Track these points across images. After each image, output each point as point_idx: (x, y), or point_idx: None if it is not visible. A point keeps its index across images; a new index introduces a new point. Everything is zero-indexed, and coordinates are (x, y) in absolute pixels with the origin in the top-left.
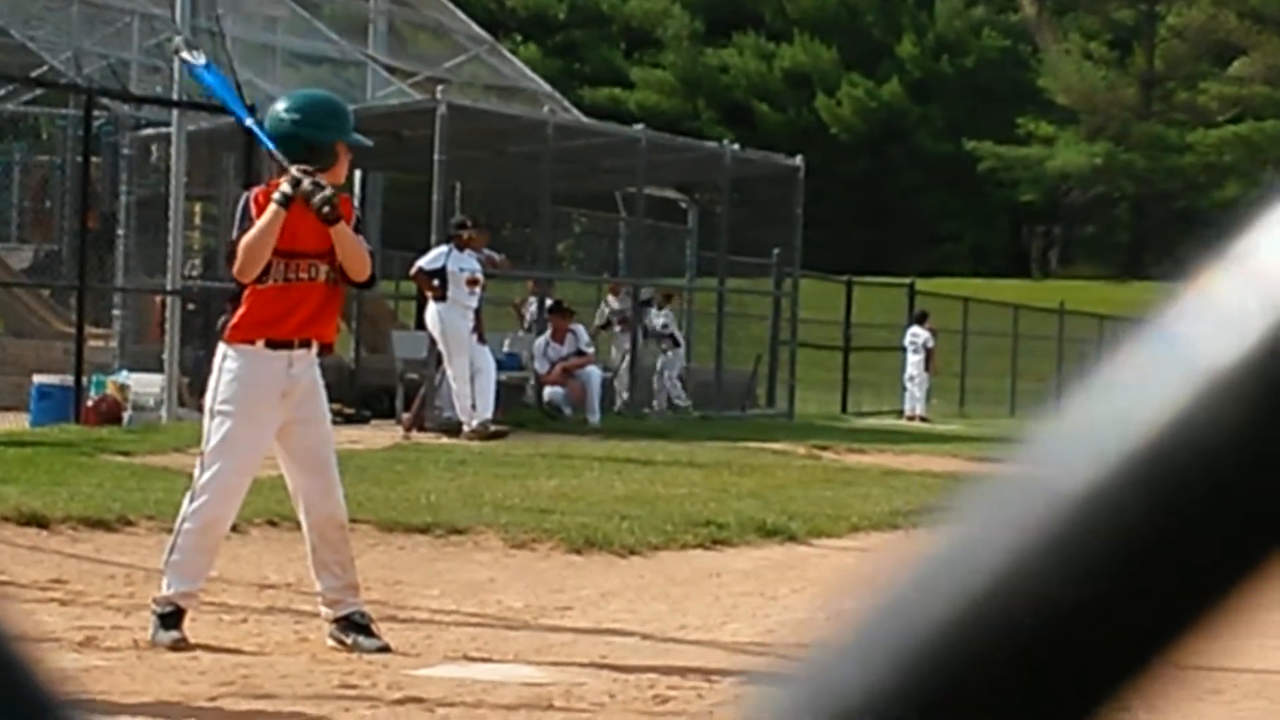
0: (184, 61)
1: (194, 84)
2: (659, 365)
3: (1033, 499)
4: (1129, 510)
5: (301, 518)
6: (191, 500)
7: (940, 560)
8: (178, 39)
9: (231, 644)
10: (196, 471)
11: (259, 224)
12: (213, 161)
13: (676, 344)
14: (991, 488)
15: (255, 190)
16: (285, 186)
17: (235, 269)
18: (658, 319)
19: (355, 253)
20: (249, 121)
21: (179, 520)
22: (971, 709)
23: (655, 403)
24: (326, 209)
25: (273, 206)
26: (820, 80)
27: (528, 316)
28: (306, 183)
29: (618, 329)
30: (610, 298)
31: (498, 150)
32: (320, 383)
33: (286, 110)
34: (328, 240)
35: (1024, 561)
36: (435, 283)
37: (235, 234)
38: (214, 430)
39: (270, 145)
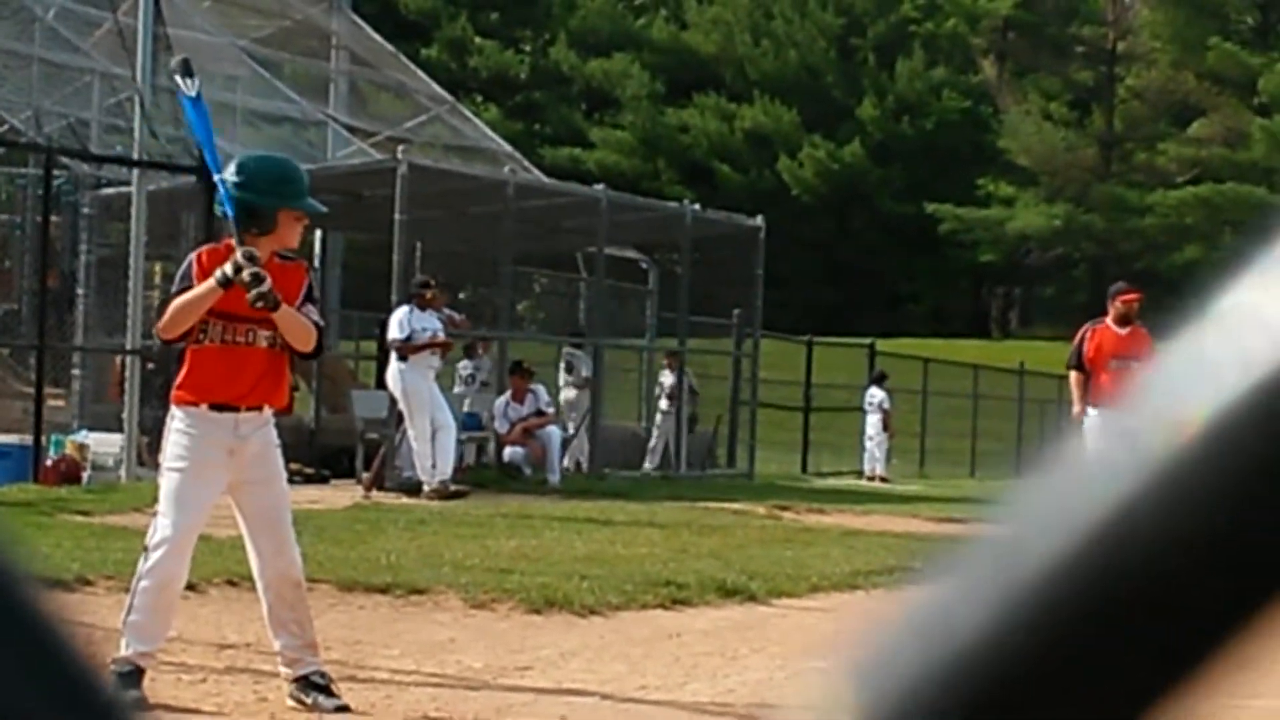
0: (176, 83)
1: (154, 143)
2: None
3: (1006, 563)
4: (1096, 578)
5: (257, 577)
6: (146, 560)
7: (917, 620)
8: (175, 60)
9: (191, 704)
10: (149, 531)
11: (194, 292)
12: (172, 221)
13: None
14: (968, 550)
15: (202, 250)
16: (227, 268)
17: (160, 325)
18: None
19: (295, 329)
20: (218, 177)
21: (135, 580)
22: None
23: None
24: (260, 304)
25: (211, 282)
26: (781, 141)
27: (480, 377)
28: (246, 273)
29: (664, 404)
30: (666, 371)
31: (458, 210)
32: (274, 443)
33: (230, 172)
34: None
35: (997, 626)
36: (408, 342)
37: (174, 290)
38: (163, 488)
39: (229, 208)
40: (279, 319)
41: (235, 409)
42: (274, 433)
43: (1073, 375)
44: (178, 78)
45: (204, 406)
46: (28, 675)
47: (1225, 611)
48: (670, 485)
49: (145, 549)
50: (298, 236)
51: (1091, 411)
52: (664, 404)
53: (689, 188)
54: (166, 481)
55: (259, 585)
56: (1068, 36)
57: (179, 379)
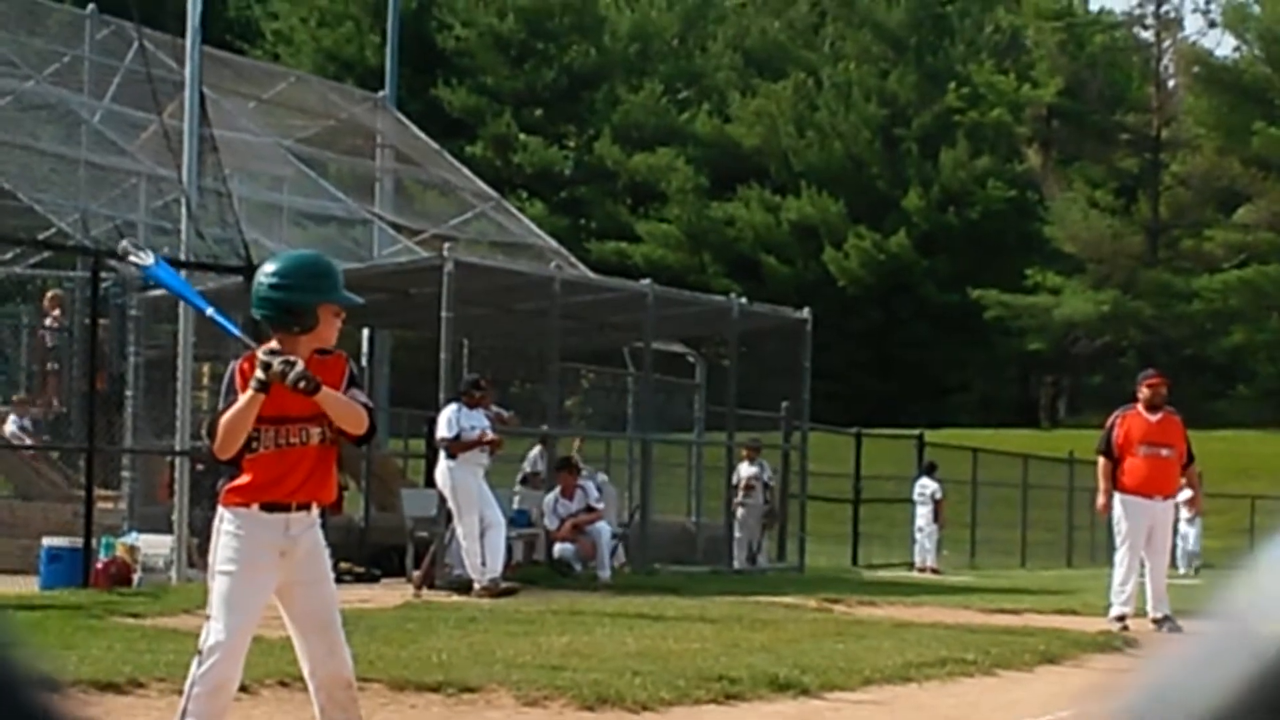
0: (133, 264)
1: (201, 245)
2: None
3: (1238, 648)
4: None
5: (308, 678)
6: (199, 664)
7: (1152, 700)
8: (124, 242)
9: None
10: (202, 634)
11: (236, 407)
12: None
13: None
14: (1199, 635)
15: (242, 359)
16: (258, 372)
17: (215, 446)
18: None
19: (345, 412)
20: (210, 312)
21: (188, 685)
22: None
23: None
24: (303, 384)
25: (249, 392)
26: (827, 233)
27: (526, 469)
28: (276, 365)
29: (741, 494)
30: (745, 464)
31: (505, 307)
32: (322, 544)
33: (266, 274)
34: (316, 404)
35: (1230, 706)
36: (457, 440)
37: (221, 404)
38: (214, 591)
39: (234, 331)
40: (325, 404)
41: (286, 508)
42: (321, 534)
43: (1100, 462)
44: (131, 258)
45: (254, 507)
46: None
47: None
48: (721, 580)
49: (198, 652)
50: (336, 332)
51: (1119, 497)
52: (741, 496)
53: (735, 280)
54: (217, 584)
55: (310, 686)
56: (1112, 124)
57: (231, 482)
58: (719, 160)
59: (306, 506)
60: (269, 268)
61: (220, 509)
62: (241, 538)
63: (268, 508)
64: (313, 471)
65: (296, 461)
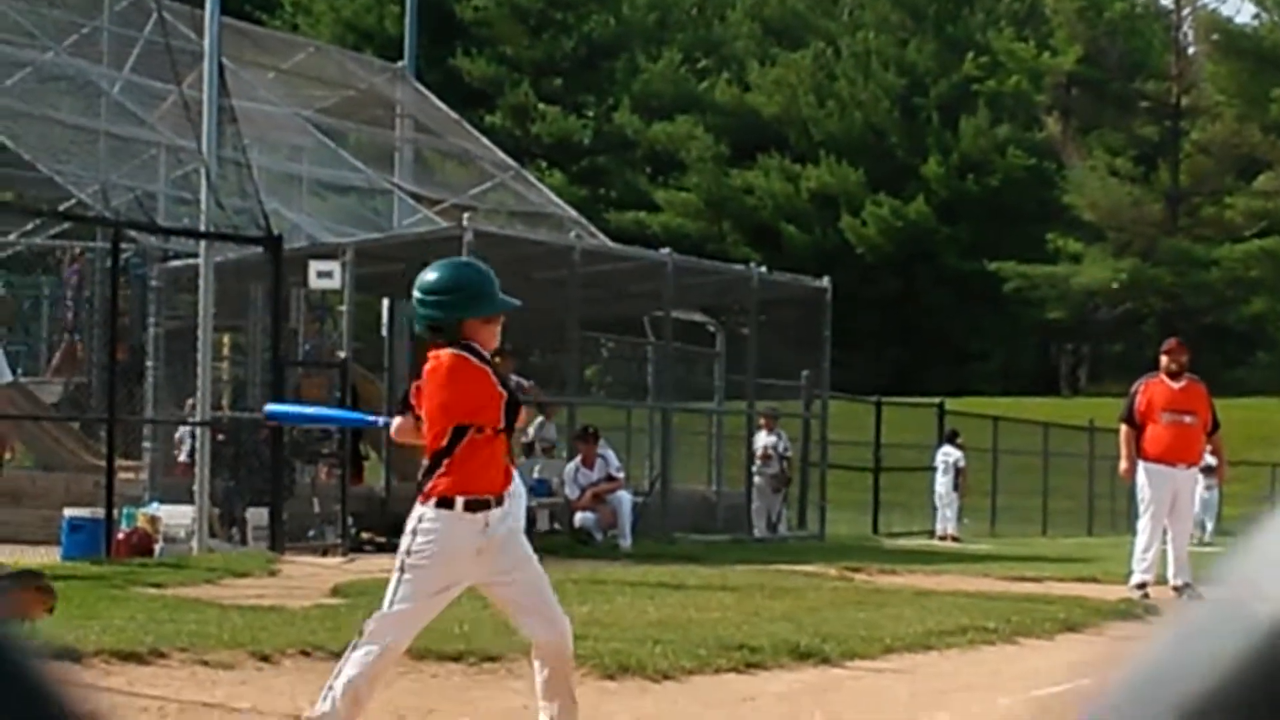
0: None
1: (221, 215)
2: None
3: (1230, 623)
4: None
5: (532, 648)
6: (359, 646)
7: (1143, 678)
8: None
9: None
10: (385, 610)
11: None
12: (240, 292)
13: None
14: (1192, 610)
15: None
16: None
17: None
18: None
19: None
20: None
21: (348, 664)
22: None
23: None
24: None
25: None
26: (846, 201)
27: (533, 438)
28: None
29: (759, 463)
30: (763, 433)
31: (524, 276)
32: (518, 528)
33: (418, 287)
34: None
35: (1221, 683)
36: None
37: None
38: (404, 582)
39: (377, 421)
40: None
41: (487, 504)
42: (519, 517)
43: (1122, 429)
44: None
45: (459, 506)
46: None
47: None
48: (742, 548)
49: (370, 631)
50: (495, 337)
51: (1142, 465)
52: (758, 465)
53: (754, 249)
54: (410, 577)
55: (535, 660)
56: (1132, 92)
57: (434, 479)
58: (738, 129)
59: (501, 500)
60: (422, 280)
61: (421, 507)
62: (440, 538)
63: (471, 506)
64: (500, 460)
65: (490, 452)
